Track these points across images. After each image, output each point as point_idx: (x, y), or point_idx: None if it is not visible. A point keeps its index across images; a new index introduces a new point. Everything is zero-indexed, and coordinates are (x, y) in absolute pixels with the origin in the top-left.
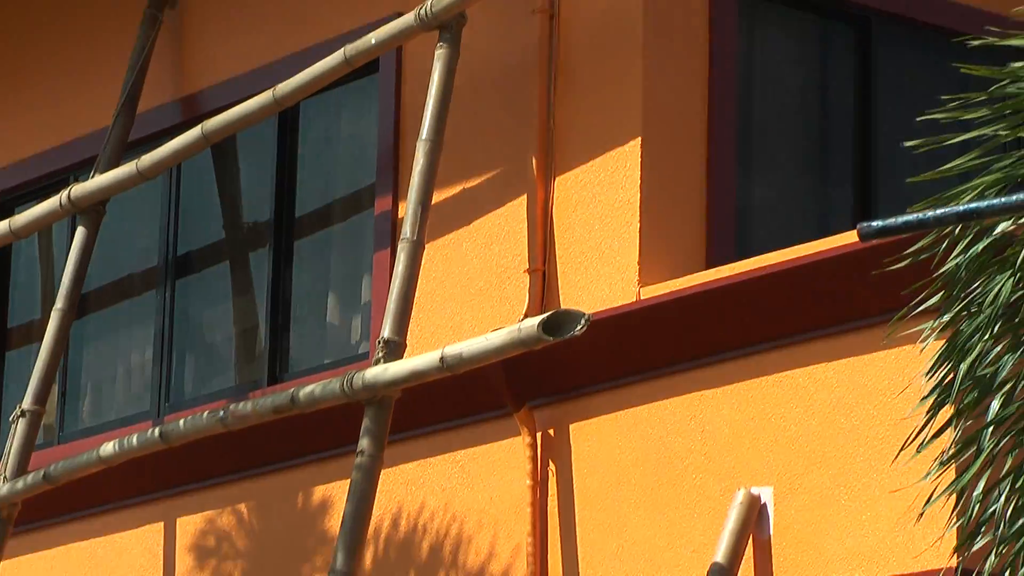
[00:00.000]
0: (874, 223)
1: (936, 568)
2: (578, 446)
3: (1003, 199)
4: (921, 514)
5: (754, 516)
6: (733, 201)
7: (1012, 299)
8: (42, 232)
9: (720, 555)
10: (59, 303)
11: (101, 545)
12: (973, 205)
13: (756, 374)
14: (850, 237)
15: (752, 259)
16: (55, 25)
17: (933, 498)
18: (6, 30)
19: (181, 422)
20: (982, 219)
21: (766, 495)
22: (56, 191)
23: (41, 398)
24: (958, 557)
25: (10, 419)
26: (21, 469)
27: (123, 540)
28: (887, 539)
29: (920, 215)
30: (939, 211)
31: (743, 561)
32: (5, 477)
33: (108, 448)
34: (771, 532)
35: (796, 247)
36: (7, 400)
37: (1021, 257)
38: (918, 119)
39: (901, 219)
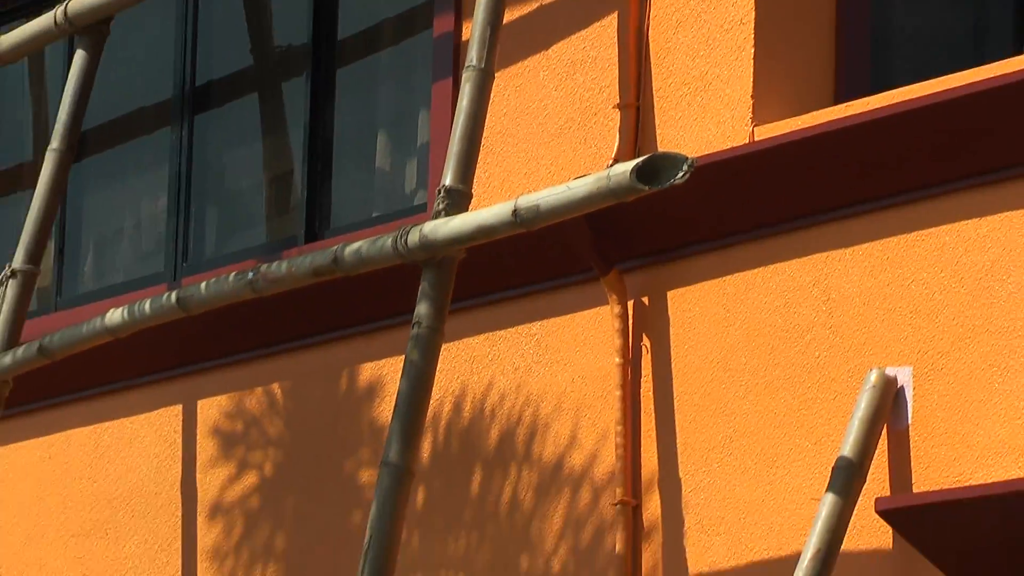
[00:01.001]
0: None
1: None
2: (677, 316)
3: None
4: None
5: (889, 402)
6: (868, 22)
7: None
8: (33, 56)
9: (847, 448)
10: (54, 143)
11: (107, 431)
12: None
13: (894, 232)
14: (1009, 66)
15: (889, 92)
16: None
17: None
18: None
19: (202, 286)
20: None
21: (904, 376)
22: (50, 6)
23: (35, 256)
24: None
25: (0, 278)
26: (12, 340)
27: (133, 425)
28: None
29: None
30: None
31: (876, 455)
32: None
33: (115, 316)
34: (909, 421)
35: (943, 78)
36: None
37: None
38: None
39: None
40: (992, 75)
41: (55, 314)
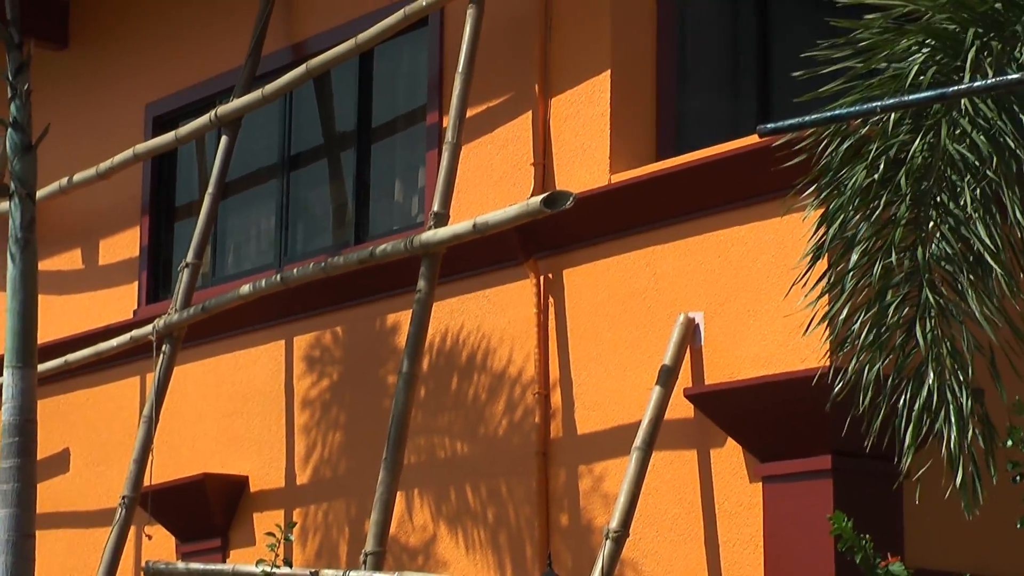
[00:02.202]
0: (769, 125)
1: (815, 367)
2: (568, 285)
3: (855, 108)
4: (805, 331)
5: (690, 331)
6: (673, 115)
7: (866, 183)
8: (198, 140)
9: (667, 359)
10: (210, 188)
11: (242, 355)
12: (835, 112)
13: (691, 234)
14: (755, 138)
15: (687, 154)
16: None
17: (814, 322)
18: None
19: (296, 270)
20: (841, 121)
21: (699, 318)
22: (207, 111)
23: (199, 254)
24: (830, 359)
25: (179, 268)
26: (186, 303)
27: (257, 352)
28: (782, 348)
29: (801, 119)
30: (813, 116)
31: (683, 363)
32: (176, 309)
33: (245, 289)
34: (702, 343)
35: (719, 145)
36: (176, 256)
37: (872, 154)
38: (800, 56)
39: (787, 122)
40: (746, 144)
41: (211, 288)
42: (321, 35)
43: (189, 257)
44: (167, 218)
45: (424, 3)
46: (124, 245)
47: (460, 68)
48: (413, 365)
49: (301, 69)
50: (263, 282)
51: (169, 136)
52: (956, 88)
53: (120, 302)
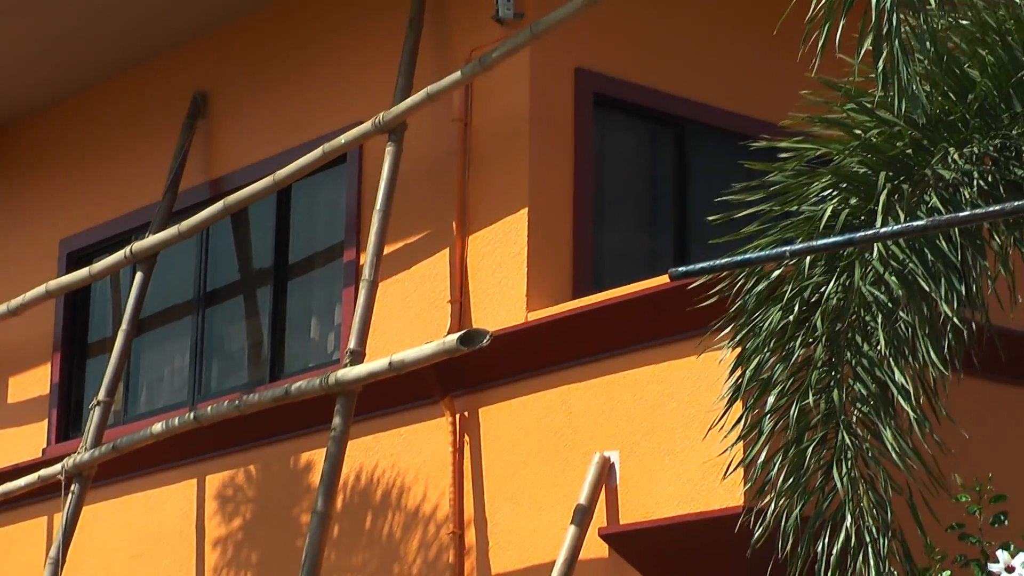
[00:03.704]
0: (681, 268)
1: (732, 507)
2: (484, 424)
3: (766, 252)
4: (724, 476)
5: (606, 471)
6: (590, 253)
7: (780, 325)
8: (112, 276)
9: (583, 498)
10: (124, 325)
11: (154, 495)
12: (746, 256)
13: (607, 372)
14: (664, 279)
15: (604, 292)
16: (119, 129)
17: (732, 464)
18: (86, 129)
19: (209, 408)
20: (752, 265)
21: (614, 457)
22: (122, 247)
23: (111, 392)
24: (748, 501)
25: (89, 406)
26: (97, 442)
27: (168, 492)
28: (698, 488)
29: (712, 263)
30: (724, 260)
31: (598, 502)
32: (86, 448)
33: (157, 427)
34: (617, 482)
35: (635, 284)
36: (88, 393)
37: (787, 295)
38: (716, 200)
39: (698, 266)
40: (660, 284)
41: (123, 426)
42: (239, 171)
43: (101, 395)
44: (79, 355)
45: (343, 141)
46: (34, 382)
47: (378, 205)
48: (327, 504)
49: (219, 205)
50: (176, 420)
51: (83, 272)
52: (863, 234)
53: (29, 440)
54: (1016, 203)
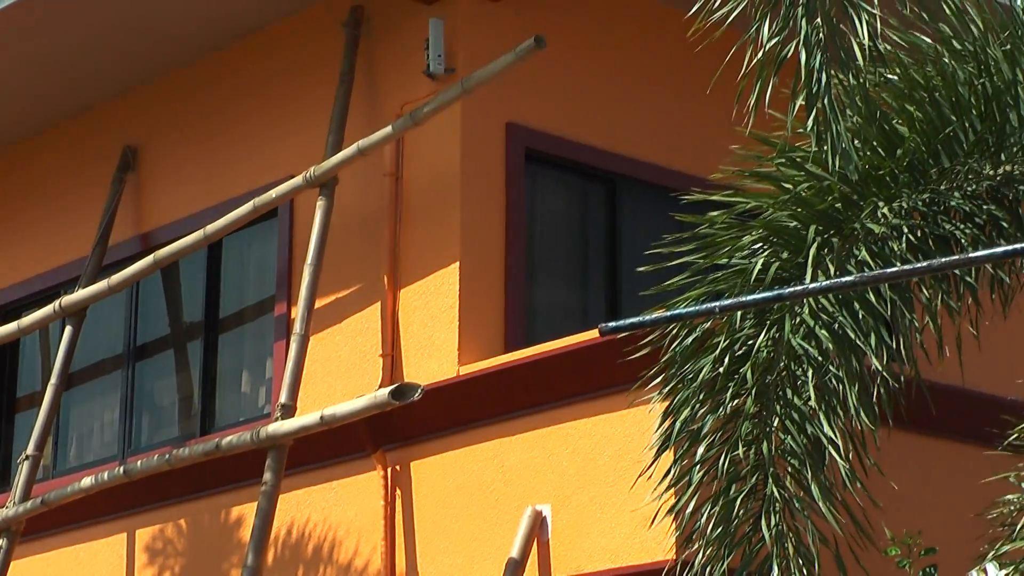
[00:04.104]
0: (610, 324)
1: (662, 560)
2: (416, 477)
3: (695, 307)
4: (651, 524)
5: (538, 524)
6: (522, 307)
7: (711, 376)
8: (41, 330)
9: (514, 551)
10: (53, 379)
11: (83, 549)
12: (675, 312)
13: (539, 426)
14: (597, 333)
15: (535, 347)
16: (49, 183)
17: (660, 514)
18: (15, 183)
19: (139, 462)
20: (682, 320)
21: (546, 511)
22: (51, 300)
23: (40, 446)
24: (677, 553)
25: (18, 461)
26: (25, 496)
27: (98, 545)
28: (629, 540)
29: (641, 319)
30: (654, 316)
31: (530, 555)
32: (14, 502)
33: (87, 481)
34: (549, 536)
35: (566, 338)
36: (16, 447)
37: (717, 347)
38: (647, 252)
39: (628, 321)
40: (591, 338)
41: (52, 480)
42: (169, 225)
43: (29, 449)
44: (8, 409)
45: (274, 195)
46: None
47: (309, 259)
48: (258, 558)
49: (149, 259)
50: (106, 474)
51: (12, 326)
52: (793, 289)
53: None
54: (943, 259)
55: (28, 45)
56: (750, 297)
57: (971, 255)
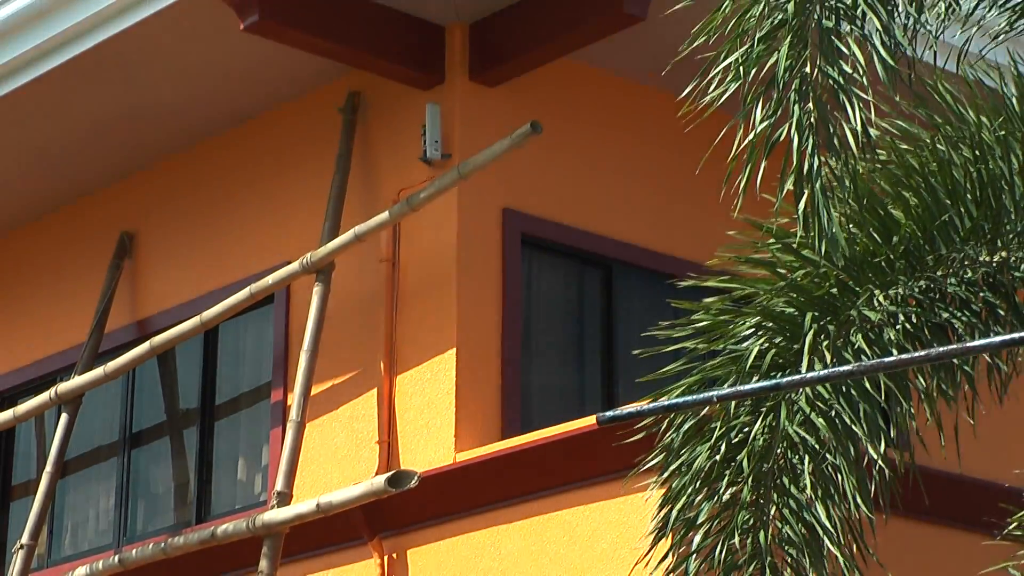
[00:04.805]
0: (608, 414)
1: None
2: (413, 565)
3: (692, 397)
4: None
5: None
6: (519, 392)
7: (708, 463)
8: (37, 417)
9: None
10: (48, 467)
11: None
12: (673, 401)
13: (536, 513)
14: (588, 420)
15: (532, 433)
16: (45, 269)
17: None
18: (13, 269)
19: (134, 551)
20: (679, 409)
21: None
22: (47, 388)
23: (35, 535)
24: None
25: (12, 550)
26: None
27: None
28: None
29: (639, 408)
30: (651, 405)
31: None
32: None
33: (81, 571)
34: None
35: (562, 425)
36: (11, 536)
37: (713, 434)
38: (643, 334)
39: (625, 411)
40: (587, 424)
41: (46, 570)
42: (166, 312)
43: (24, 538)
44: (2, 497)
45: (270, 281)
46: None
47: (305, 345)
48: None
49: (145, 346)
50: (100, 564)
51: (7, 414)
52: (790, 379)
53: None
54: (940, 349)
55: (26, 132)
56: (747, 387)
57: (968, 345)
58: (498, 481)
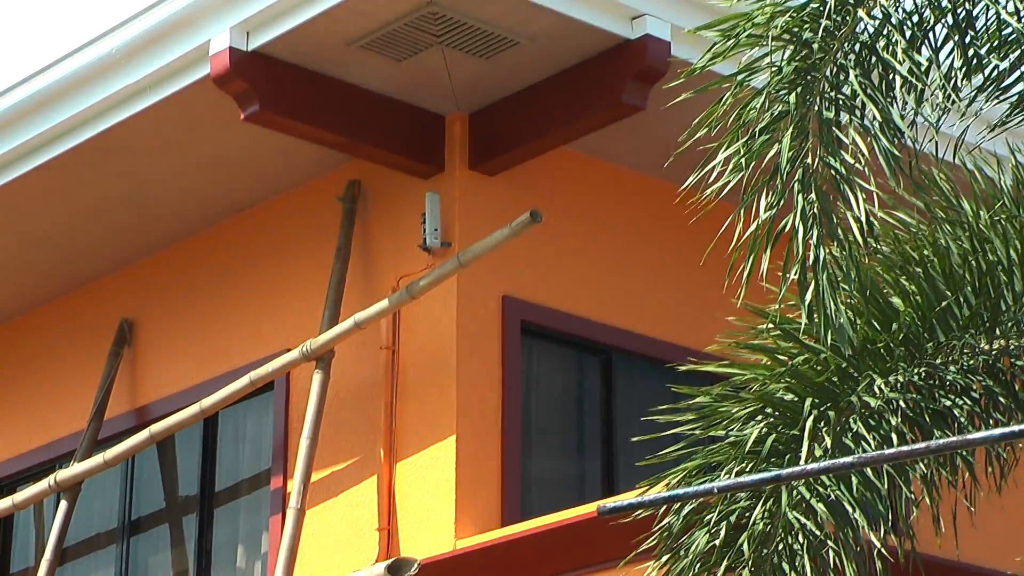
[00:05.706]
0: (608, 504)
1: None
2: None
3: (692, 488)
4: None
5: None
6: (519, 480)
7: (707, 548)
8: (36, 504)
9: None
10: (47, 554)
11: None
12: (673, 492)
13: None
14: (589, 507)
15: (532, 520)
16: (45, 357)
17: None
18: (12, 357)
19: None
20: (679, 500)
21: None
22: (46, 475)
23: None
24: None
25: None
26: None
27: None
28: None
29: (640, 499)
30: (652, 496)
31: None
32: None
33: None
34: None
35: (562, 512)
36: None
37: (714, 517)
38: (643, 418)
39: (626, 502)
40: (587, 512)
41: None
42: (165, 399)
43: None
44: None
45: (270, 369)
46: None
47: (305, 432)
48: None
49: (144, 434)
50: None
51: (6, 502)
52: (791, 470)
53: None
54: (941, 441)
55: (27, 220)
56: (748, 478)
57: (968, 437)
58: (498, 568)
